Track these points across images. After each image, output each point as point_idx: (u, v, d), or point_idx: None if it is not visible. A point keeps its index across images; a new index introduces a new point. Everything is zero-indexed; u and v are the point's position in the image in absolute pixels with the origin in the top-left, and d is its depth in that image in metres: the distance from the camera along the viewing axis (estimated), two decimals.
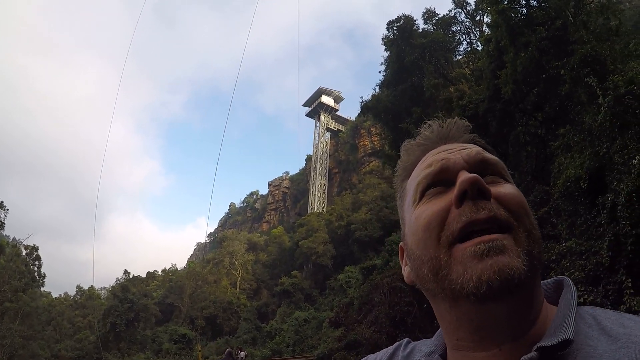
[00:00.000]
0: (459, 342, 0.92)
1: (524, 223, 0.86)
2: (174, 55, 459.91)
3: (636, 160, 11.55)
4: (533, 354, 0.80)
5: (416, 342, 1.16)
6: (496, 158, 0.98)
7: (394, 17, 38.59)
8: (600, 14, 19.55)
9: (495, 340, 0.87)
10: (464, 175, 0.88)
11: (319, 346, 37.11)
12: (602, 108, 13.66)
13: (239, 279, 79.45)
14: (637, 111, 12.51)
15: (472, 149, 0.97)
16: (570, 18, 19.66)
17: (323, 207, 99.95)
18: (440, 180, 0.95)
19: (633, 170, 11.51)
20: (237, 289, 77.47)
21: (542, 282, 0.97)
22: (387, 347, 1.19)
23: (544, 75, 19.30)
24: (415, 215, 0.95)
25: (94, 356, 57.75)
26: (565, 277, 1.00)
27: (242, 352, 35.29)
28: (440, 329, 1.04)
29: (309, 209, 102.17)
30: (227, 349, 35.68)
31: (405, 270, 1.03)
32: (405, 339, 1.21)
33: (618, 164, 12.39)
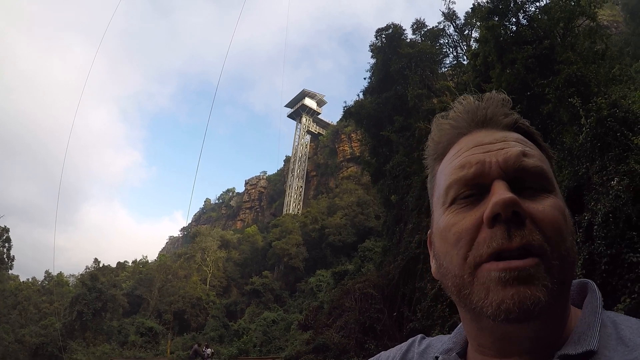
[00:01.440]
0: (480, 347, 0.90)
1: (558, 249, 0.81)
2: (165, 46, 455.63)
3: (615, 182, 11.73)
4: None
5: (431, 338, 1.13)
6: (539, 165, 0.88)
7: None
8: (587, 37, 19.94)
9: (516, 352, 0.85)
10: (498, 196, 0.80)
11: (287, 348, 37.01)
12: (584, 129, 13.84)
13: (209, 275, 78.91)
14: (618, 134, 12.70)
15: (512, 151, 0.87)
16: (559, 39, 19.98)
17: (298, 209, 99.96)
18: (474, 185, 0.87)
19: (611, 192, 11.67)
20: (207, 286, 76.88)
21: None
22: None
23: (528, 93, 19.54)
24: (445, 222, 0.89)
25: (58, 344, 56.71)
26: (590, 281, 0.97)
27: (209, 350, 34.98)
28: (459, 326, 1.02)
29: (284, 210, 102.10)
30: (194, 346, 35.40)
31: (433, 265, 0.97)
32: (420, 335, 1.17)
33: (597, 185, 12.58)
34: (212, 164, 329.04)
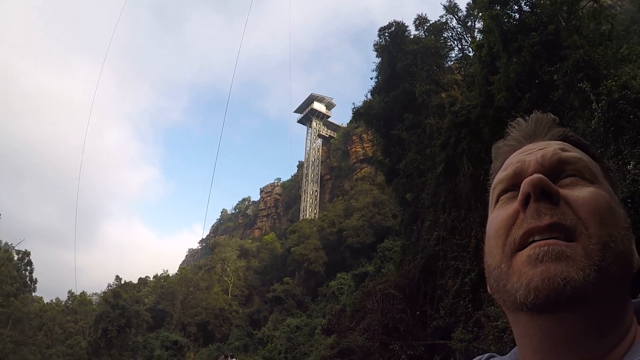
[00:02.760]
0: None
1: (596, 232, 0.75)
2: (173, 59, 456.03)
3: (631, 166, 11.49)
4: None
5: (496, 358, 1.05)
6: (577, 156, 0.87)
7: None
8: (592, 18, 19.53)
9: None
10: (527, 178, 0.81)
11: (312, 353, 37.01)
12: (595, 113, 13.61)
13: (230, 285, 79.09)
14: (631, 116, 12.46)
15: (549, 149, 0.88)
16: (563, 23, 19.62)
17: (315, 214, 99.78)
18: (515, 184, 0.87)
19: (628, 176, 11.43)
20: (229, 296, 77.11)
21: (634, 300, 0.84)
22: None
23: (536, 81, 19.24)
24: (489, 221, 0.90)
25: None
26: None
27: None
28: (516, 347, 0.94)
29: (301, 215, 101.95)
30: (220, 357, 35.35)
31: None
32: (487, 354, 1.08)
33: (612, 170, 12.34)
34: (228, 174, 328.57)
